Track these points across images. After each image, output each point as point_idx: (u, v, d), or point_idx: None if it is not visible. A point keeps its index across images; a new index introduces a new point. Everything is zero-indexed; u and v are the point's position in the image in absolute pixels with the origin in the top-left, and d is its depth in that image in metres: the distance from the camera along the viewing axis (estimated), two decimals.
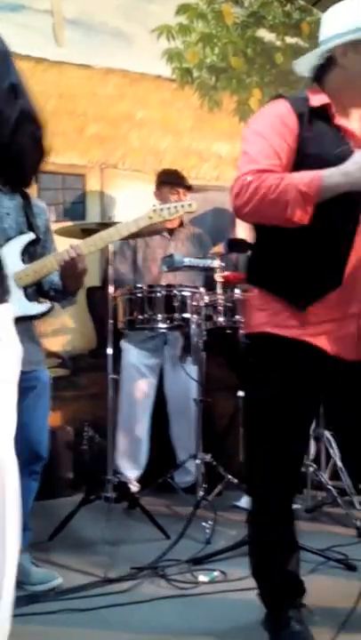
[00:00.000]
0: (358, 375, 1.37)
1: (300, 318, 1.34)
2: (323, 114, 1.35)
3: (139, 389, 2.64)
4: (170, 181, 2.77)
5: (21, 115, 0.99)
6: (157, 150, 3.20)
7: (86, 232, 1.99)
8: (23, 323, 1.77)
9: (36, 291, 1.84)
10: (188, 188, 2.77)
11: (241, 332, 2.21)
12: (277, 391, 1.36)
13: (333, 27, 1.36)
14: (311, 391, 1.38)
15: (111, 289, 2.26)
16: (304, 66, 1.43)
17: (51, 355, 2.85)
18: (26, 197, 1.84)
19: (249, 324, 1.45)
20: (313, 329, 1.34)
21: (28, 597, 1.70)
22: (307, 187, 1.24)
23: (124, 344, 2.67)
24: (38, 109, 1.03)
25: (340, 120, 1.35)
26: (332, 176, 1.25)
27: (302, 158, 1.31)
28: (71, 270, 1.77)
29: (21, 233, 1.77)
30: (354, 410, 1.39)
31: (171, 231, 2.76)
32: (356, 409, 1.39)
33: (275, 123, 1.33)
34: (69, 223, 2.63)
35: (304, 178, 1.26)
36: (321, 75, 1.39)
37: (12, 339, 1.04)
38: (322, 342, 1.34)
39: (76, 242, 1.85)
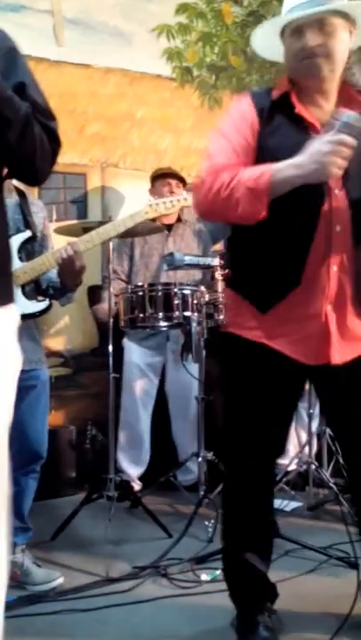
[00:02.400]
0: (324, 378, 1.35)
1: (259, 319, 1.32)
2: (285, 104, 1.30)
3: (140, 388, 2.63)
4: (161, 175, 2.77)
5: (32, 109, 0.98)
6: (158, 149, 3.20)
7: (87, 231, 1.99)
8: (22, 321, 1.77)
9: (34, 289, 1.84)
10: (181, 180, 2.76)
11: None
12: (241, 389, 1.37)
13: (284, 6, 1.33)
14: (274, 390, 1.34)
15: (112, 287, 2.26)
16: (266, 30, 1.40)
17: (52, 354, 2.85)
18: (23, 196, 1.85)
19: (223, 321, 1.48)
20: (272, 331, 1.31)
21: (29, 597, 1.70)
22: (255, 182, 1.20)
23: (125, 342, 2.67)
24: (48, 104, 1.03)
25: (301, 109, 1.30)
26: (282, 170, 1.19)
27: (262, 154, 1.27)
28: (69, 267, 1.77)
29: (18, 231, 1.77)
30: (331, 412, 1.40)
31: (169, 227, 2.76)
32: (332, 411, 1.39)
33: (235, 120, 1.32)
34: (70, 222, 2.63)
35: (254, 173, 1.22)
36: None
37: (13, 342, 1.03)
38: (280, 345, 1.31)
39: (74, 240, 1.85)
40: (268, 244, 1.29)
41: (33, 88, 1.01)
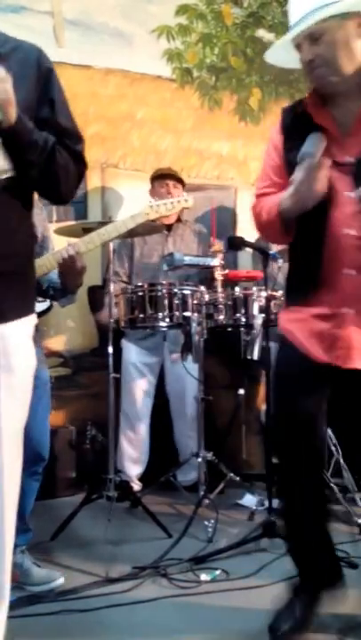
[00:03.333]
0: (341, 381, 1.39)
1: (286, 314, 1.46)
2: (303, 115, 1.38)
3: (138, 388, 2.64)
4: (159, 175, 2.78)
5: (59, 136, 1.01)
6: (158, 150, 3.21)
7: (87, 231, 1.99)
8: None
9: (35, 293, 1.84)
10: (179, 181, 2.77)
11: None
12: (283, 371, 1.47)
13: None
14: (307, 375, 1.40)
15: (112, 288, 2.26)
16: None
17: (52, 354, 2.86)
18: None
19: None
20: (290, 322, 1.43)
21: (29, 598, 1.70)
22: (268, 214, 1.39)
23: (124, 342, 2.67)
24: (76, 123, 1.06)
25: (318, 117, 1.36)
26: (283, 201, 1.35)
27: (289, 169, 1.35)
28: (70, 268, 1.77)
29: None
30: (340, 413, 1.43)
31: (168, 227, 2.76)
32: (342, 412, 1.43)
33: (270, 142, 1.45)
34: (71, 223, 2.63)
35: (268, 205, 1.40)
36: None
37: (32, 348, 1.07)
38: (293, 337, 1.41)
39: (75, 241, 1.85)
40: (296, 257, 1.46)
41: (63, 111, 1.05)
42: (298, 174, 1.29)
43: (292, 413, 1.39)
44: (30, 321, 1.08)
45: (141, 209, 1.95)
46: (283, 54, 1.42)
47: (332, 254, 1.33)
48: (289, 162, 1.36)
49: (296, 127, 1.38)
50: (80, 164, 1.07)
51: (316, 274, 1.36)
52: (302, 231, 1.39)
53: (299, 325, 1.39)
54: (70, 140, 1.04)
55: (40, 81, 1.01)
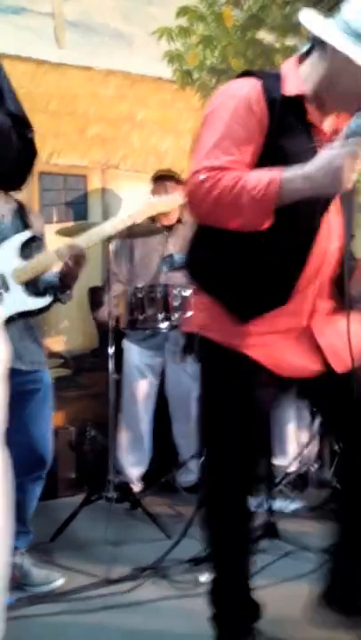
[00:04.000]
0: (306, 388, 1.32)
1: (238, 327, 1.23)
2: (295, 103, 1.18)
3: (140, 389, 2.63)
4: (158, 177, 2.78)
5: (9, 119, 1.00)
6: (158, 151, 3.21)
7: None
8: (25, 320, 1.78)
9: (34, 288, 1.85)
10: (178, 182, 2.77)
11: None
12: (217, 392, 1.30)
13: (352, 15, 1.14)
14: (250, 400, 1.27)
15: (112, 289, 2.27)
16: (311, 22, 1.17)
17: (53, 355, 2.86)
18: (21, 205, 1.89)
19: (189, 320, 1.34)
20: (252, 340, 1.23)
21: (29, 599, 1.70)
22: (262, 192, 1.09)
23: (125, 343, 2.67)
24: (25, 112, 1.05)
25: (314, 117, 1.20)
26: (293, 180, 1.10)
27: (271, 153, 1.15)
28: (73, 262, 1.78)
29: (18, 232, 1.79)
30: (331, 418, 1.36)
31: (169, 228, 2.77)
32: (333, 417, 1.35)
33: (240, 108, 1.15)
34: (71, 223, 2.64)
35: (262, 180, 1.10)
36: (310, 50, 1.20)
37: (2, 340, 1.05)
38: (258, 355, 1.24)
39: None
40: (261, 256, 1.19)
41: (10, 98, 1.03)
42: (338, 155, 1.06)
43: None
44: None
45: (140, 206, 1.97)
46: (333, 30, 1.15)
47: (310, 269, 1.20)
48: (276, 147, 1.15)
49: (285, 111, 1.16)
50: (31, 151, 1.05)
51: (288, 289, 1.20)
52: (280, 233, 1.14)
53: (266, 341, 1.23)
54: (20, 125, 1.02)
55: None
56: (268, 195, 1.10)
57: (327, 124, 1.24)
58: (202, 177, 1.13)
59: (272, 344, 1.24)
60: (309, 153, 1.14)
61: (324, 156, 1.11)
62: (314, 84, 1.20)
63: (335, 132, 1.22)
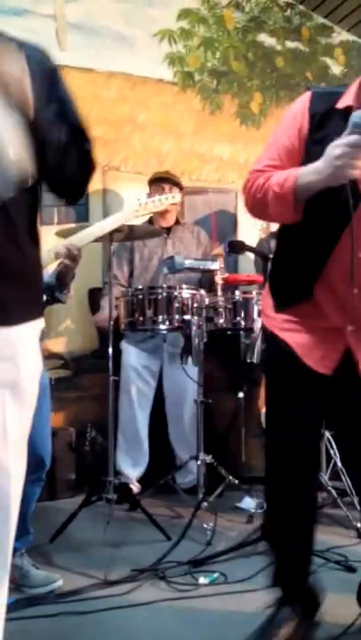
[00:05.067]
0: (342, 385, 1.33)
1: (277, 314, 1.36)
2: (346, 115, 1.23)
3: (137, 390, 2.64)
4: (156, 179, 2.79)
5: (71, 133, 1.00)
6: (159, 153, 3.22)
7: None
8: None
9: None
10: (175, 184, 2.78)
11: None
12: (276, 379, 1.40)
13: None
14: (306, 388, 1.34)
15: (112, 290, 2.27)
16: None
17: (53, 356, 2.86)
18: None
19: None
20: (286, 325, 1.34)
21: (28, 600, 1.70)
22: (280, 187, 1.23)
23: (123, 345, 2.68)
24: (85, 122, 1.04)
25: None
26: (306, 175, 1.21)
27: (308, 159, 1.25)
28: (71, 262, 1.82)
29: None
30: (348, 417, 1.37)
31: (168, 230, 2.77)
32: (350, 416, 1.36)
33: (288, 120, 1.31)
34: (72, 225, 2.64)
35: (280, 178, 1.24)
36: None
37: (39, 351, 1.07)
38: (290, 339, 1.33)
39: (70, 240, 1.90)
40: (294, 247, 1.33)
41: (72, 110, 1.02)
42: (337, 147, 1.15)
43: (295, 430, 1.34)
44: (38, 325, 1.07)
45: (131, 206, 2.00)
46: None
47: (337, 267, 1.26)
48: (311, 153, 1.24)
49: (330, 120, 1.25)
50: (90, 163, 1.05)
51: (310, 283, 1.28)
52: (307, 228, 1.26)
53: (299, 335, 1.32)
54: (81, 138, 1.03)
55: (46, 80, 1.01)
56: (285, 189, 1.23)
57: None
58: (248, 178, 1.32)
59: (301, 333, 1.32)
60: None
61: (329, 149, 1.19)
62: None
63: None
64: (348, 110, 1.24)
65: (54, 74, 1.03)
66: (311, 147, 1.26)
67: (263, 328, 1.43)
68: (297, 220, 1.26)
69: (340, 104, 1.26)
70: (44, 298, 1.81)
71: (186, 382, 2.46)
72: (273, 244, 2.25)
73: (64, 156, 0.99)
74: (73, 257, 1.81)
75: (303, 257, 1.31)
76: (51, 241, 2.03)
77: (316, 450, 1.51)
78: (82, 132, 1.03)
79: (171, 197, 2.11)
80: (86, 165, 1.04)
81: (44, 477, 1.82)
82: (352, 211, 1.20)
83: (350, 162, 1.14)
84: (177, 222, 2.82)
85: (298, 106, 1.31)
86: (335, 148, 1.16)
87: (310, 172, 1.21)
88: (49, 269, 1.91)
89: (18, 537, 1.80)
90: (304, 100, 1.30)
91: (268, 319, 1.39)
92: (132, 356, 2.65)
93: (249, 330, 2.37)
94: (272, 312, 1.37)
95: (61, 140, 0.98)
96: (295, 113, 1.30)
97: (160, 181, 2.76)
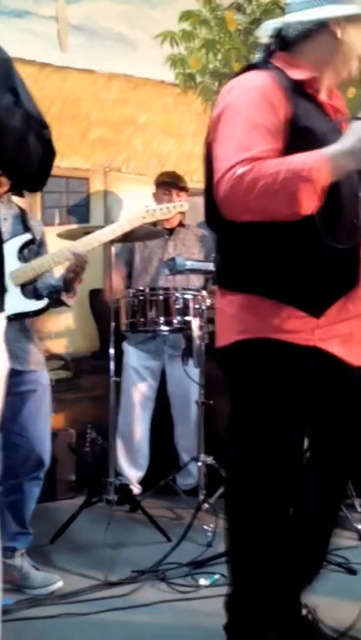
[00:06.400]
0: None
1: (306, 322, 1.18)
2: (302, 89, 1.21)
3: (138, 391, 2.64)
4: (163, 182, 2.79)
5: (26, 119, 1.00)
6: (160, 154, 3.22)
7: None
8: (21, 321, 1.80)
9: (32, 290, 1.87)
10: (183, 189, 2.78)
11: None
12: (276, 404, 1.22)
13: None
14: (314, 403, 1.23)
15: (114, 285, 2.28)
16: (268, 31, 1.27)
17: (53, 356, 2.86)
18: (22, 211, 1.91)
19: (231, 331, 1.27)
20: (323, 333, 1.18)
21: (28, 601, 1.70)
22: (314, 174, 1.07)
23: (125, 346, 2.68)
24: (41, 110, 1.05)
25: (323, 97, 1.25)
26: (337, 156, 1.09)
27: (300, 136, 1.14)
28: (77, 266, 1.81)
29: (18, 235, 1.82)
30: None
31: (170, 231, 2.77)
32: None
33: (257, 98, 1.15)
34: (73, 226, 2.65)
35: (306, 162, 1.08)
36: (296, 43, 1.25)
37: (3, 348, 1.04)
38: (333, 348, 1.19)
39: (73, 243, 1.89)
40: (317, 243, 1.14)
41: (26, 98, 1.02)
42: None
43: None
44: (1, 320, 1.03)
45: (138, 212, 2.00)
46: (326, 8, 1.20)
47: None
48: (302, 129, 1.14)
49: (297, 95, 1.18)
50: (49, 151, 1.04)
51: (355, 268, 1.18)
52: (333, 209, 1.13)
53: (337, 332, 1.20)
54: (37, 124, 1.02)
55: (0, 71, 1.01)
56: (318, 174, 1.08)
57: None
58: (239, 172, 1.09)
59: (343, 334, 1.20)
60: (336, 132, 1.17)
61: (358, 129, 1.11)
62: (317, 65, 1.24)
63: (336, 110, 1.28)
64: (307, 82, 1.21)
65: (7, 64, 1.02)
66: (299, 122, 1.16)
67: (277, 344, 1.18)
68: (314, 209, 1.10)
69: (297, 76, 1.21)
70: (50, 301, 1.82)
71: (189, 384, 2.46)
72: None
73: (22, 144, 0.99)
74: (79, 263, 1.81)
75: (329, 247, 1.14)
76: (53, 242, 2.03)
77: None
78: (38, 119, 1.02)
79: (179, 206, 2.12)
80: (45, 152, 1.03)
81: (42, 477, 1.83)
82: None
83: None
84: (181, 224, 2.82)
85: (262, 83, 1.17)
86: None
87: (341, 154, 1.09)
88: (54, 273, 1.91)
89: (17, 537, 1.82)
90: (264, 76, 1.18)
91: (292, 334, 1.17)
92: (134, 356, 2.65)
93: None
94: (296, 325, 1.18)
95: (18, 127, 0.98)
96: (263, 88, 1.16)
97: (167, 185, 2.76)
